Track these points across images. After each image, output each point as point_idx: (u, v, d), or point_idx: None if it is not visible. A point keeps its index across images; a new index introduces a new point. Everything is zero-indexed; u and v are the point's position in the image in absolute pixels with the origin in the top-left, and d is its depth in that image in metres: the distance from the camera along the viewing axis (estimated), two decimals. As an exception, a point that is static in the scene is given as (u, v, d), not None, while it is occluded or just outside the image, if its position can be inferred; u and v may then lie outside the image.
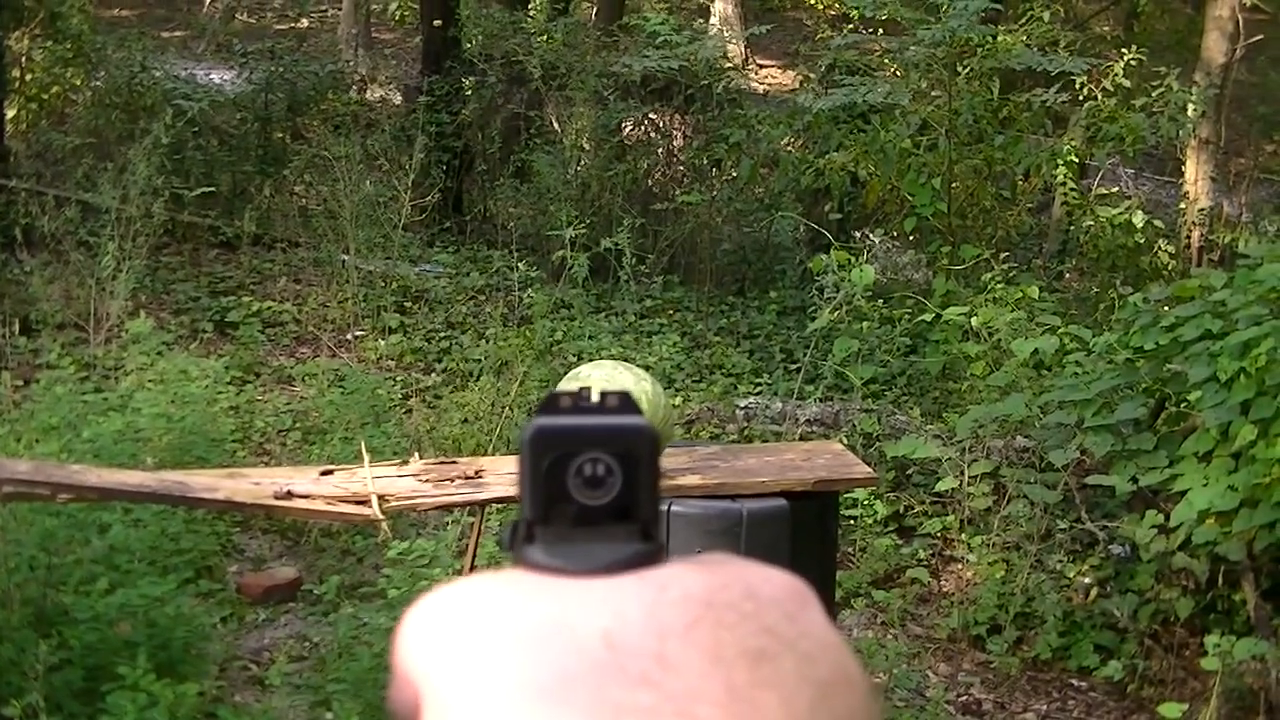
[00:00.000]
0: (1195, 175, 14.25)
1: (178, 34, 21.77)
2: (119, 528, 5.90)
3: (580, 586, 0.62)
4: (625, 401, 0.67)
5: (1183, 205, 14.28)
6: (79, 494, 4.59)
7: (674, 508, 4.46)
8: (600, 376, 4.87)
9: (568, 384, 5.17)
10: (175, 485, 4.59)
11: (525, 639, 0.60)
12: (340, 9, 23.22)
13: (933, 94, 12.19)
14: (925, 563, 7.99)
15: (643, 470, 0.66)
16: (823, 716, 0.60)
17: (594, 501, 0.66)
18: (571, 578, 0.63)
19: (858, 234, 11.96)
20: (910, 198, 11.97)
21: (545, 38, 14.79)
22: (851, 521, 7.96)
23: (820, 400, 9.29)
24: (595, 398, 0.68)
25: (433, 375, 10.00)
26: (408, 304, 11.28)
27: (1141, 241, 12.69)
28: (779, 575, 0.66)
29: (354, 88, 16.05)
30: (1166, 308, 7.97)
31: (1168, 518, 7.07)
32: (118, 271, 9.05)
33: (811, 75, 13.99)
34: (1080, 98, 12.44)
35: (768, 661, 0.60)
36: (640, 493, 0.66)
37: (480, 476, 4.99)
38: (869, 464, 6.09)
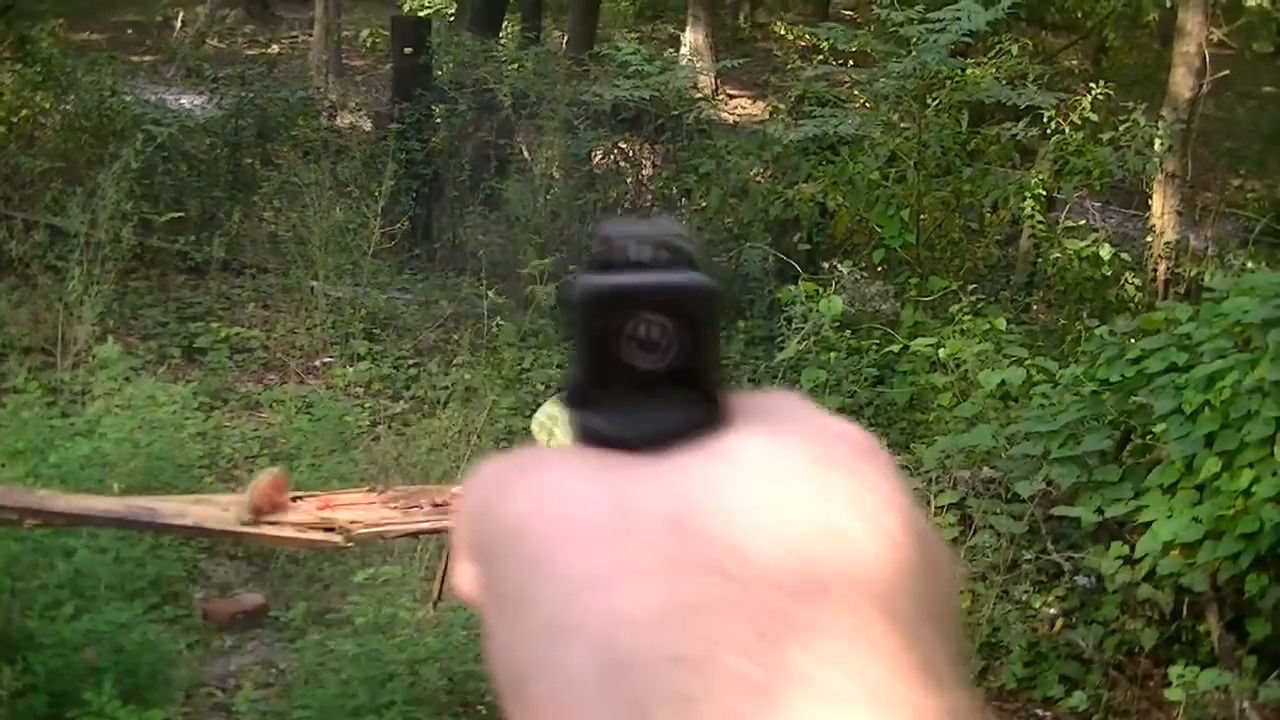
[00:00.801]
0: (1162, 209, 14.32)
1: (148, 59, 21.74)
2: (84, 553, 5.88)
3: (642, 466, 0.60)
4: (679, 255, 0.65)
5: (1149, 239, 14.34)
6: (46, 519, 4.58)
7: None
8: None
9: (552, 407, 5.18)
10: (143, 510, 4.58)
11: (595, 528, 0.58)
12: (311, 35, 23.22)
13: (902, 126, 12.25)
14: (891, 593, 7.99)
15: (701, 329, 0.63)
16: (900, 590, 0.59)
17: (651, 365, 0.62)
18: (633, 452, 0.61)
19: (826, 265, 12.00)
20: (879, 229, 12.02)
21: (516, 66, 14.80)
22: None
23: (788, 430, 9.29)
24: (646, 253, 0.64)
25: (401, 403, 9.98)
26: (376, 331, 11.26)
27: (1108, 274, 12.75)
28: (845, 428, 0.63)
29: (324, 114, 16.03)
30: (1132, 340, 8.02)
31: (1133, 549, 7.10)
32: (86, 296, 9.03)
33: (781, 106, 14.04)
34: (1048, 131, 12.52)
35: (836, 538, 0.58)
36: (700, 353, 0.63)
37: (448, 504, 4.98)
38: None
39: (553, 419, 5.44)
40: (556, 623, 0.58)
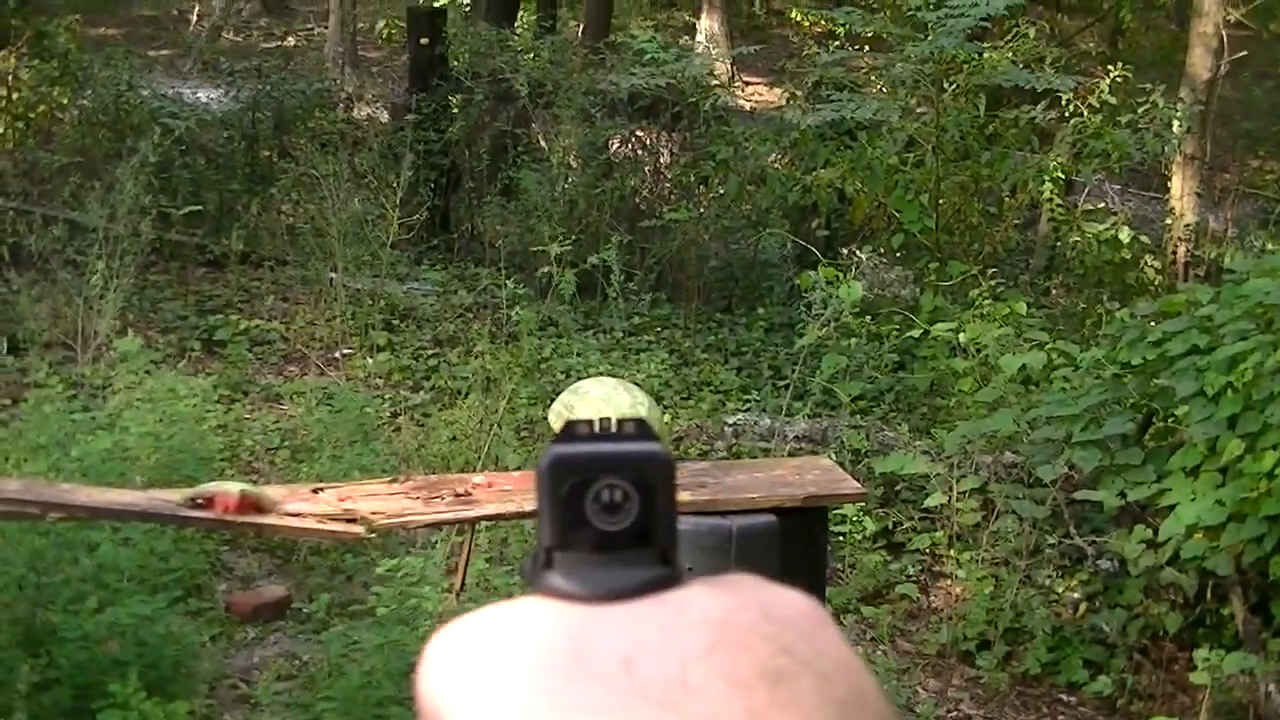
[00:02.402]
0: (1181, 191, 14.29)
1: (164, 53, 21.77)
2: (108, 546, 5.89)
3: (599, 613, 0.63)
4: (642, 428, 0.68)
5: (1168, 221, 14.31)
6: (69, 513, 4.59)
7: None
8: (599, 394, 4.90)
9: (569, 396, 5.21)
10: (164, 504, 4.59)
11: (547, 669, 0.61)
12: (327, 27, 23.23)
13: (919, 110, 12.23)
14: (914, 578, 8.00)
15: (659, 495, 0.67)
16: None
17: (612, 527, 0.66)
18: (590, 604, 0.64)
19: (845, 250, 11.96)
20: (897, 214, 12.01)
21: (532, 55, 14.79)
22: (840, 538, 7.96)
23: (808, 417, 9.30)
24: (612, 426, 0.69)
25: (421, 393, 9.99)
26: (395, 322, 11.26)
27: (1128, 257, 12.72)
28: (794, 596, 0.66)
29: (341, 106, 16.02)
30: (1153, 323, 8.00)
31: (1156, 532, 7.09)
32: (105, 290, 9.04)
33: (798, 92, 14.00)
34: (1066, 114, 12.48)
35: (786, 682, 0.60)
36: (658, 517, 0.67)
37: (470, 494, 4.99)
38: (858, 480, 6.10)
39: (569, 408, 5.46)
40: None
